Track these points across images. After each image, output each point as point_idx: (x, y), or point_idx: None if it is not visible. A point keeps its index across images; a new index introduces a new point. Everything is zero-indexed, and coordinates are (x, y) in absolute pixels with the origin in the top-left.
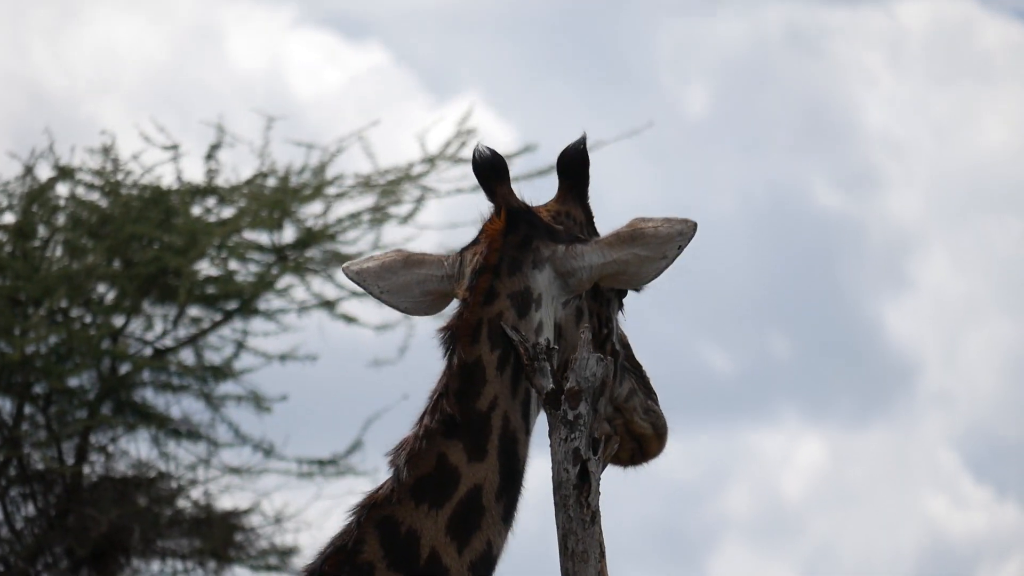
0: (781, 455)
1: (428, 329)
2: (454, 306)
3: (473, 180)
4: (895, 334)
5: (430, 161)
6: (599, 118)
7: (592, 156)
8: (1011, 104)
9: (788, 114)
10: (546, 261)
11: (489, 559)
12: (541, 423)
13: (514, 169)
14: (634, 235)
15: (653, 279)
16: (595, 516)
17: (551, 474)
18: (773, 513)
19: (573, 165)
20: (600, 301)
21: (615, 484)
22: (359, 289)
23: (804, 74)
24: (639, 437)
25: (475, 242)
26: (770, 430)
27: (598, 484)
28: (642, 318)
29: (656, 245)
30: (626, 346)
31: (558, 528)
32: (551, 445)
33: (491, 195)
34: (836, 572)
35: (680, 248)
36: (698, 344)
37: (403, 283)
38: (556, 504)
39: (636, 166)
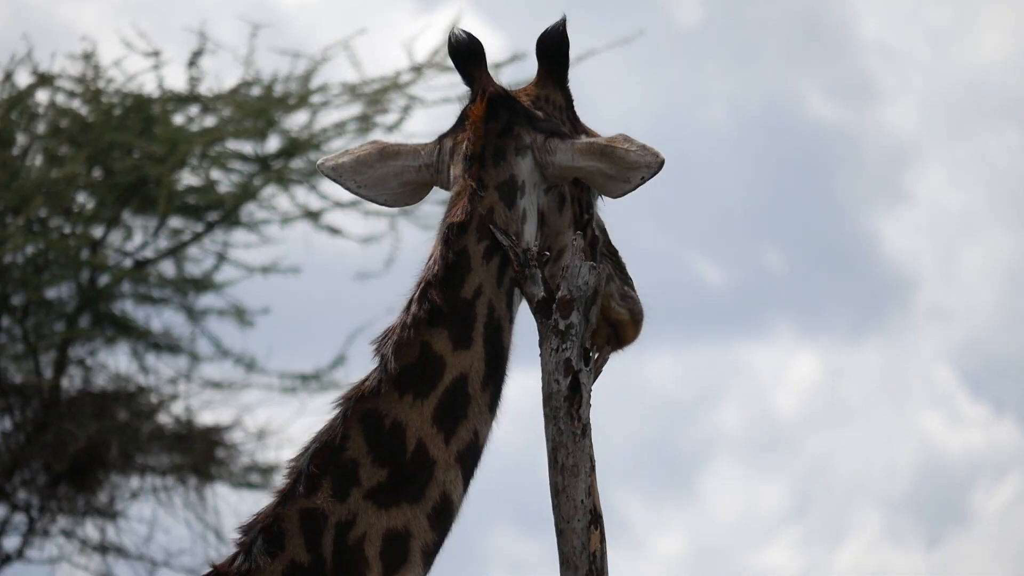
0: (774, 371)
1: (414, 241)
2: (441, 196)
3: (462, 88)
4: (891, 248)
5: (417, 70)
6: (590, 27)
7: (584, 66)
8: (1010, 13)
9: (782, 23)
10: (528, 148)
11: (476, 449)
12: (532, 333)
13: (504, 79)
14: (605, 151)
15: (617, 197)
16: (586, 429)
17: (541, 385)
18: (766, 430)
19: (552, 48)
20: (582, 186)
21: (604, 399)
22: (344, 199)
23: None
24: (615, 323)
25: (455, 129)
26: (763, 345)
27: (589, 396)
28: (633, 231)
29: (622, 168)
30: (604, 231)
31: (548, 441)
32: (541, 355)
33: (468, 80)
34: (829, 491)
35: (643, 179)
36: (690, 257)
37: (380, 176)
38: (546, 416)
39: (628, 76)
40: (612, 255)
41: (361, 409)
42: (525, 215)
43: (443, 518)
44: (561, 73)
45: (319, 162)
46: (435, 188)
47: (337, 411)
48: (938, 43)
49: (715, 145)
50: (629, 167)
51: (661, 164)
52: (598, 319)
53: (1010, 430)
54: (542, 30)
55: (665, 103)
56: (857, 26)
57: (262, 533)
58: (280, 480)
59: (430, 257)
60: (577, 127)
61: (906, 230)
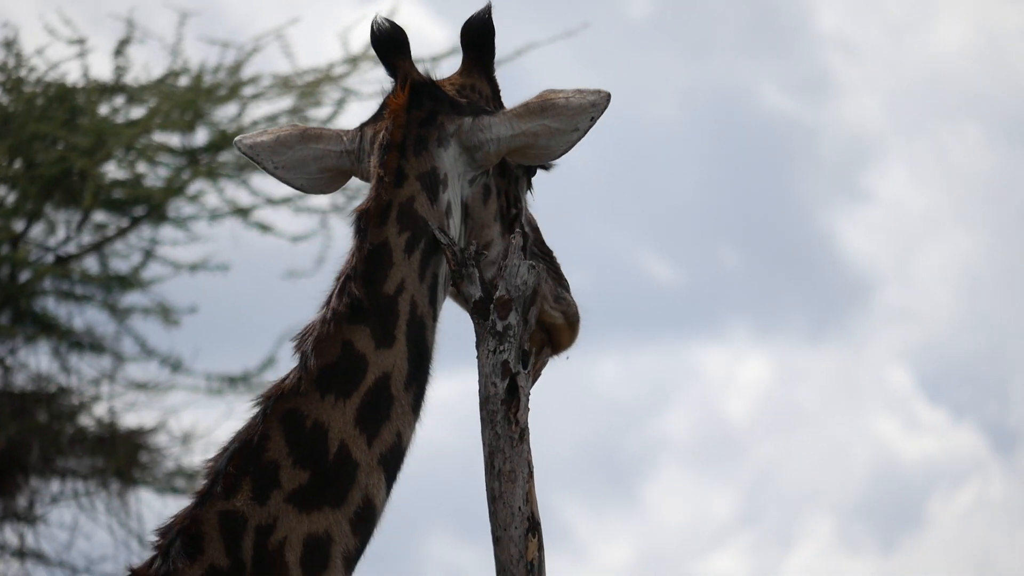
0: (726, 373)
1: (346, 239)
2: (358, 187)
3: (385, 79)
4: (849, 247)
5: (352, 61)
6: (536, 19)
7: (531, 59)
8: (968, 2)
9: (734, 14)
10: (451, 137)
11: (399, 451)
12: (469, 334)
13: (445, 71)
14: (544, 106)
15: (564, 153)
16: (524, 433)
17: (478, 388)
18: (716, 434)
19: (477, 36)
20: (508, 179)
21: (548, 402)
22: (276, 195)
23: None
24: (549, 327)
25: (376, 117)
26: (716, 346)
27: (527, 399)
28: (581, 227)
29: (568, 117)
30: (535, 229)
31: (484, 445)
32: (478, 357)
33: (392, 70)
34: (780, 497)
35: (592, 120)
36: (641, 255)
37: (299, 158)
38: (483, 420)
39: (576, 69)
40: (546, 255)
41: (281, 409)
42: (449, 208)
43: (365, 523)
44: (487, 62)
45: (236, 139)
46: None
47: (257, 410)
48: (896, 35)
49: (666, 140)
50: (575, 112)
51: (607, 98)
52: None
53: (969, 436)
54: (467, 18)
55: (615, 97)
56: (812, 17)
57: (180, 535)
58: (199, 481)
59: (349, 250)
60: None
61: (864, 229)
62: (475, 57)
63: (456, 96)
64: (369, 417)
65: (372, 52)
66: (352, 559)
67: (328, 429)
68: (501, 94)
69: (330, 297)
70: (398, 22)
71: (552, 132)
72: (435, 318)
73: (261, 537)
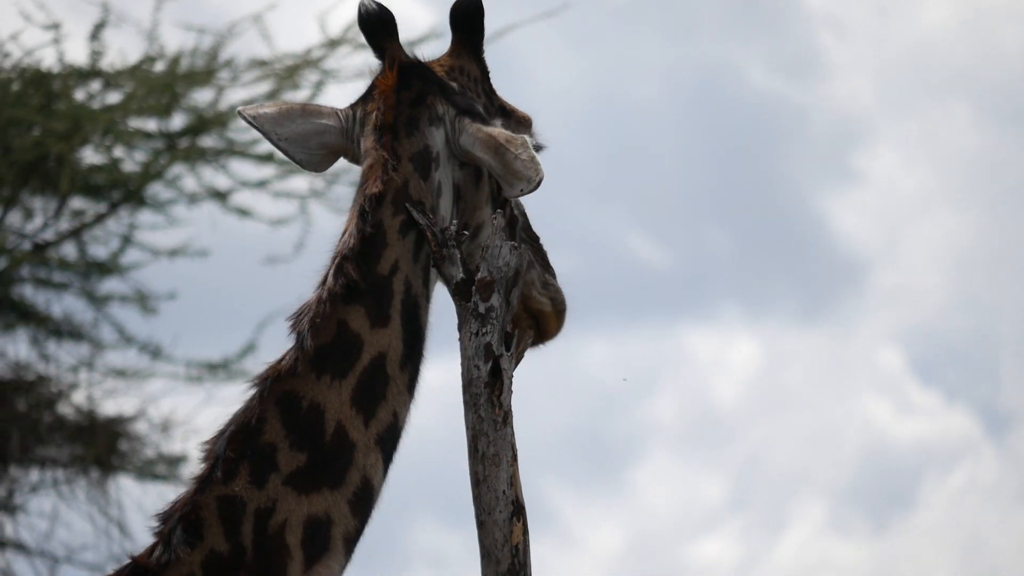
0: (717, 356)
1: (326, 224)
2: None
3: (373, 62)
4: (840, 228)
5: (331, 45)
6: (516, 1)
7: (515, 41)
8: None
9: None
10: (441, 119)
11: (395, 431)
12: (451, 316)
13: (430, 53)
14: (498, 150)
15: (508, 195)
16: (507, 416)
17: (460, 371)
18: (704, 419)
19: (466, 17)
20: None
21: (536, 386)
22: (253, 178)
23: None
24: (536, 314)
25: (365, 98)
26: (706, 329)
27: (511, 382)
28: (569, 210)
29: (507, 173)
30: (523, 214)
31: (467, 429)
32: (460, 340)
33: (379, 53)
34: (771, 480)
35: (522, 191)
36: (629, 238)
37: (302, 131)
38: (465, 403)
39: (561, 51)
40: (533, 241)
41: (278, 390)
42: (440, 188)
43: (364, 503)
44: (476, 43)
45: (239, 109)
46: (342, 163)
47: (253, 392)
48: (884, 13)
49: (654, 121)
50: (512, 174)
51: (537, 184)
52: (519, 309)
53: (961, 419)
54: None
55: (601, 78)
56: None
57: (180, 522)
58: (196, 465)
59: (344, 231)
60: (493, 99)
61: (855, 209)
62: (464, 38)
63: (446, 78)
64: (365, 397)
65: (351, 35)
66: (352, 540)
67: (325, 410)
68: (490, 75)
69: (325, 277)
70: (383, 3)
71: (496, 173)
72: (428, 299)
73: (261, 521)
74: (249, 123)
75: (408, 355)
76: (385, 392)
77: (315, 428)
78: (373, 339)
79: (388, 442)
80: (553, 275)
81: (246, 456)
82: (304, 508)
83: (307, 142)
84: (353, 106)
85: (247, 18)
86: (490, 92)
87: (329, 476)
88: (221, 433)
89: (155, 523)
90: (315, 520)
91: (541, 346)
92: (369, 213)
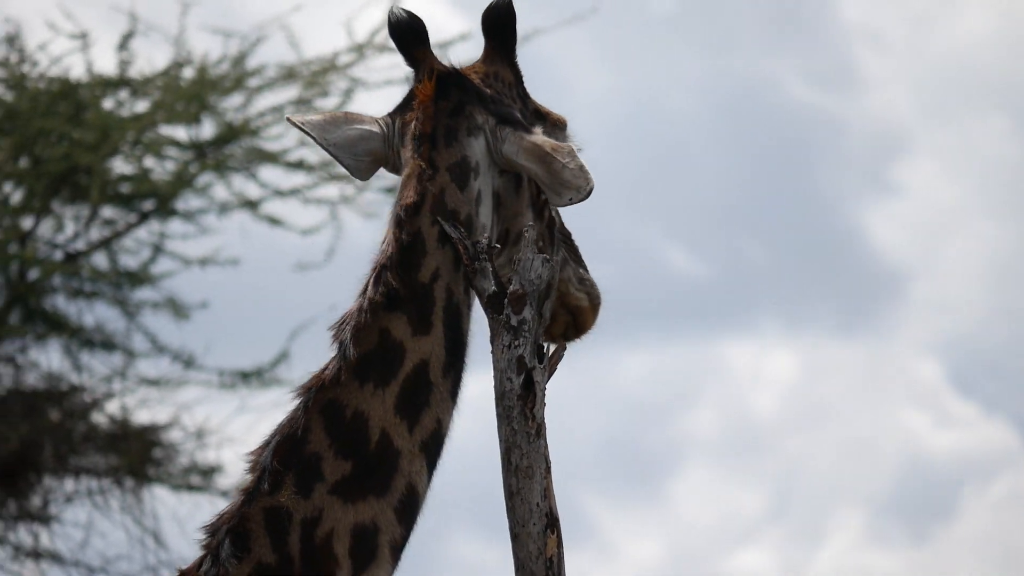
0: (756, 368)
1: (356, 231)
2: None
3: (405, 69)
4: (878, 240)
5: (358, 50)
6: (551, 6)
7: (556, 53)
8: None
9: (757, 6)
10: (480, 128)
11: (439, 437)
12: (484, 329)
13: (453, 58)
14: (545, 159)
15: (555, 205)
16: (540, 429)
17: (493, 383)
18: (743, 431)
19: (499, 22)
20: None
21: (574, 398)
22: (284, 186)
23: None
24: (574, 309)
25: (403, 107)
26: (745, 341)
27: (544, 394)
28: (607, 222)
29: (555, 182)
30: (558, 213)
31: (501, 442)
32: (493, 352)
33: (411, 61)
34: (810, 492)
35: (571, 201)
36: (668, 250)
37: (348, 137)
38: (499, 416)
39: (600, 62)
40: (566, 238)
41: (321, 400)
42: (480, 197)
43: (410, 511)
44: (509, 49)
45: (287, 116)
46: (381, 173)
47: (297, 402)
48: (921, 25)
49: (692, 134)
50: (561, 184)
51: (588, 193)
52: (556, 306)
53: (1000, 430)
54: (487, 4)
55: (638, 89)
56: (837, 8)
57: (228, 535)
58: (242, 477)
59: (383, 240)
60: (527, 103)
61: (893, 221)
62: (497, 44)
63: (481, 85)
64: (409, 404)
65: (378, 40)
66: (399, 548)
67: (368, 418)
68: (524, 79)
69: (365, 286)
70: (413, 11)
71: (542, 182)
72: (470, 306)
73: (307, 530)
74: (299, 127)
75: (451, 362)
76: (428, 399)
77: (359, 436)
78: (415, 346)
79: (432, 448)
80: (586, 269)
81: (291, 466)
82: (351, 516)
83: (353, 148)
84: (392, 115)
85: (273, 21)
86: (524, 96)
87: (375, 484)
88: (266, 444)
89: (202, 536)
90: (362, 528)
91: (578, 340)
92: (406, 222)
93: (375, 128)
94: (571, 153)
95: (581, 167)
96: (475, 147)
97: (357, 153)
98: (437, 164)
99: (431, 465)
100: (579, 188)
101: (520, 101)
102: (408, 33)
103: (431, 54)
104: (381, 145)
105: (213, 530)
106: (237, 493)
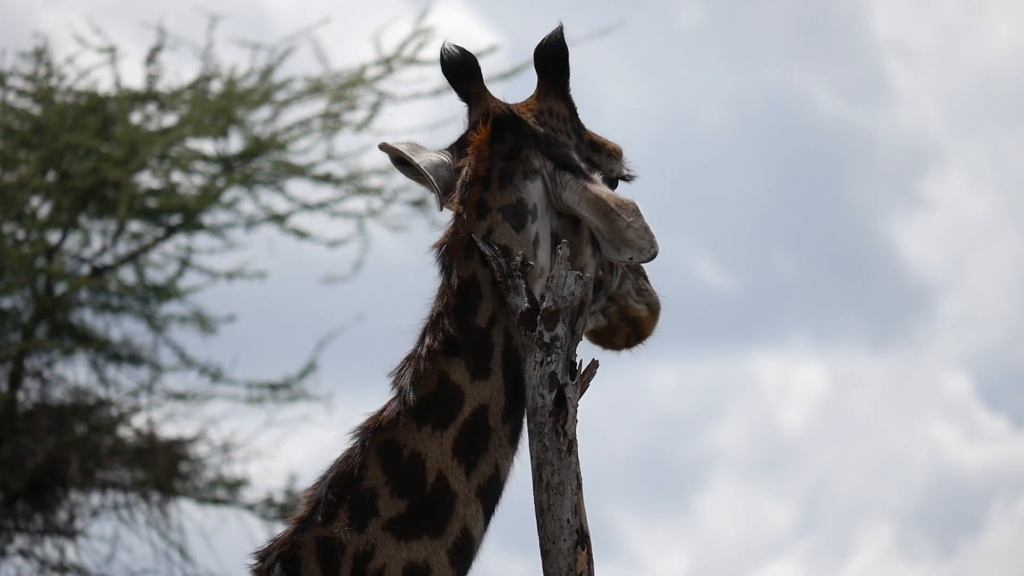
0: (785, 381)
1: (383, 243)
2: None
3: (433, 83)
4: (908, 254)
5: (386, 63)
6: (579, 20)
7: (586, 68)
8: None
9: (786, 19)
10: (538, 172)
11: (497, 484)
12: None
13: (487, 65)
14: (609, 214)
15: (613, 259)
16: (572, 445)
17: (525, 400)
18: (772, 444)
19: (552, 59)
20: None
21: (603, 412)
22: (310, 200)
23: None
24: (635, 321)
25: (461, 145)
26: (775, 355)
27: (575, 411)
28: None
29: (616, 239)
30: None
31: (532, 458)
32: (526, 369)
33: (464, 97)
34: (839, 505)
35: (632, 260)
36: (698, 263)
37: (433, 161)
38: (530, 432)
39: (631, 77)
40: None
41: (379, 439)
42: (538, 239)
43: (464, 555)
44: (562, 83)
45: (380, 144)
46: (398, 180)
47: (354, 441)
48: (950, 38)
49: (722, 147)
50: (623, 242)
51: (653, 256)
52: (616, 319)
53: None
54: (539, 41)
55: (668, 102)
56: (866, 21)
57: (279, 560)
58: (297, 508)
59: (438, 288)
60: (583, 136)
61: (923, 235)
62: (550, 80)
63: (535, 124)
64: (467, 449)
65: (406, 53)
66: None
67: (426, 459)
68: (577, 111)
69: (423, 334)
70: (464, 47)
71: (601, 236)
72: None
73: (359, 564)
74: (390, 150)
75: (510, 407)
76: (487, 444)
77: (416, 476)
78: (474, 391)
79: (489, 494)
80: (646, 277)
81: (346, 500)
82: (404, 554)
83: (436, 172)
84: (451, 148)
85: (301, 34)
86: (579, 129)
87: (429, 524)
88: (323, 479)
89: (252, 560)
90: (414, 567)
91: (640, 347)
92: (449, 266)
93: (445, 158)
94: (635, 212)
95: (646, 228)
96: (532, 191)
97: (440, 177)
98: (489, 204)
99: (488, 511)
100: (642, 249)
101: (575, 135)
102: (460, 69)
103: (485, 90)
104: (448, 173)
105: (264, 555)
106: (290, 522)
